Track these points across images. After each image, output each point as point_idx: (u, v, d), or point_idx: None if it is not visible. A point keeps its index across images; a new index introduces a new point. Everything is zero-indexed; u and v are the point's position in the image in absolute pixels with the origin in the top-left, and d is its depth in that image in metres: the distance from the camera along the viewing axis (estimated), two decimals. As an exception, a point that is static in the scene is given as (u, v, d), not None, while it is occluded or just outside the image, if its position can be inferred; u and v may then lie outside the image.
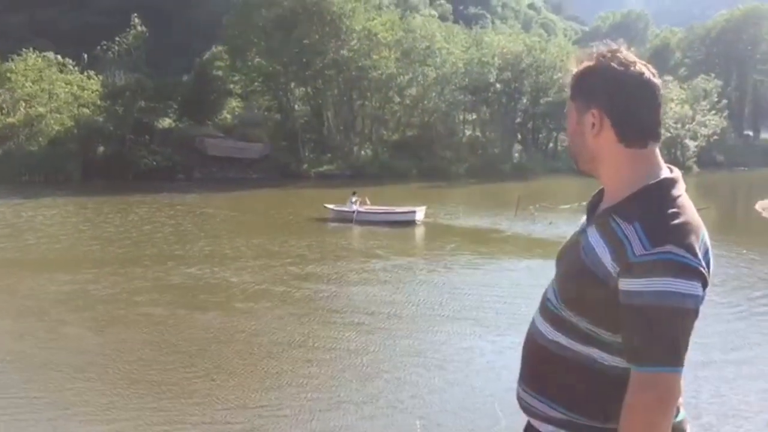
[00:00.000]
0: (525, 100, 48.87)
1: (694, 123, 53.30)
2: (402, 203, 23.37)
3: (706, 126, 53.65)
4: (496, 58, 47.68)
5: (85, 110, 38.69)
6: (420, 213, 21.97)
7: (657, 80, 1.71)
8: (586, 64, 1.74)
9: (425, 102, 46.73)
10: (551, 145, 51.38)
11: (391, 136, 46.72)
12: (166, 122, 41.29)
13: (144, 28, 42.84)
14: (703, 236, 1.62)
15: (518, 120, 49.46)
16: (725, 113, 56.35)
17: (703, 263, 1.58)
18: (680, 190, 1.68)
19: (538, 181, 40.29)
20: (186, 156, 38.23)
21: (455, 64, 46.64)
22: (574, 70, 1.77)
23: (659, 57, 78.36)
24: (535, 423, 1.80)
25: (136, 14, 42.61)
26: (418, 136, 45.57)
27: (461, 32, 54.52)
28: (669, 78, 60.27)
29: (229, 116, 44.22)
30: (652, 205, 1.62)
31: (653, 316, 1.54)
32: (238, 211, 26.06)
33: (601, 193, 1.82)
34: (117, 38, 42.63)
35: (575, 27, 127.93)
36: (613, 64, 1.69)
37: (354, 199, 22.31)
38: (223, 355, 9.16)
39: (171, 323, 10.67)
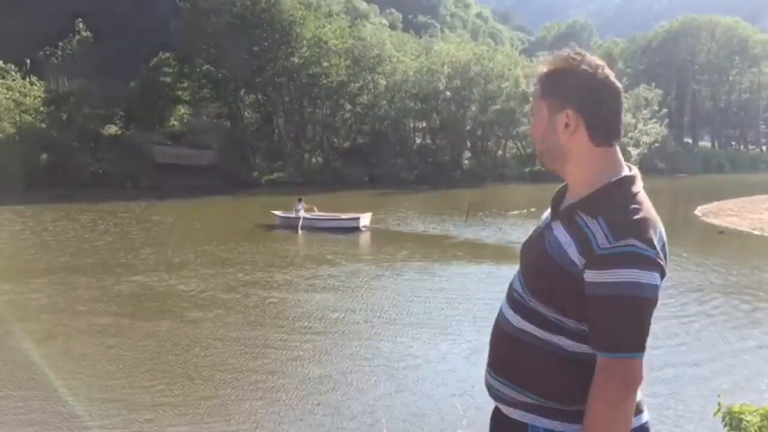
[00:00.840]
0: (474, 108, 49.46)
1: (636, 131, 54.87)
2: (353, 210, 23.47)
3: (647, 134, 55.26)
4: (445, 67, 48.21)
5: (28, 117, 37.61)
6: (365, 219, 22.22)
7: (619, 83, 1.80)
8: (558, 64, 1.81)
9: (376, 109, 46.95)
10: (500, 152, 52.14)
11: (342, 143, 46.78)
12: (112, 129, 40.47)
13: (89, 33, 41.96)
14: (660, 231, 1.72)
15: (468, 128, 50.01)
16: (666, 121, 58.18)
17: (661, 255, 1.68)
18: (639, 187, 1.77)
19: (487, 188, 40.86)
20: (133, 164, 37.47)
21: (405, 72, 47.01)
22: (544, 69, 1.83)
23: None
24: (503, 408, 1.88)
25: (80, 19, 41.71)
26: (369, 144, 45.74)
27: (411, 40, 55.00)
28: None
29: (177, 123, 43.60)
30: (614, 202, 1.71)
31: (617, 305, 1.62)
32: (186, 218, 25.77)
33: (564, 188, 1.90)
34: (61, 43, 41.64)
35: (522, 37, 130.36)
36: (584, 66, 1.76)
37: (300, 206, 22.46)
38: (170, 365, 9.07)
39: (115, 332, 10.53)
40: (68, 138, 36.53)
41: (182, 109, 44.70)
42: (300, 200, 22.82)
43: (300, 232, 21.42)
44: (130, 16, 42.20)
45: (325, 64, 42.98)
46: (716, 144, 76.36)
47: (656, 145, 55.04)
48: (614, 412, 1.65)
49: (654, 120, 56.29)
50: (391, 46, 47.82)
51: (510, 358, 1.85)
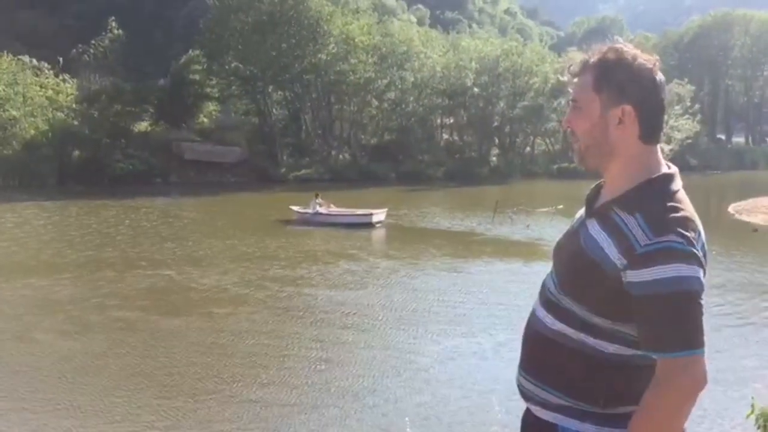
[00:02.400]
0: (502, 104, 49.11)
1: (668, 127, 53.97)
2: (375, 207, 23.48)
3: (679, 130, 54.36)
4: (473, 63, 47.95)
5: (60, 114, 38.23)
6: (378, 215, 22.27)
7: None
8: (610, 56, 1.75)
9: (403, 106, 46.83)
10: (528, 148, 51.73)
11: (369, 140, 46.76)
12: (142, 126, 40.93)
13: (120, 32, 42.50)
14: (699, 231, 1.67)
15: (495, 124, 49.68)
16: (698, 117, 57.19)
17: (701, 253, 1.64)
18: (678, 185, 1.74)
19: (515, 185, 40.58)
20: (163, 160, 37.93)
21: (433, 68, 46.82)
22: (596, 60, 1.77)
23: (633, 62, 79.11)
24: (535, 409, 1.83)
25: (113, 17, 42.26)
26: (396, 140, 45.66)
27: (439, 37, 54.77)
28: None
29: (206, 120, 43.94)
30: (652, 199, 1.67)
31: (669, 302, 1.57)
32: (211, 214, 26.09)
33: (598, 186, 1.86)
34: (93, 42, 42.23)
35: (551, 32, 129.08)
36: (641, 61, 1.72)
37: (318, 201, 22.61)
38: (200, 362, 9.12)
39: (138, 328, 10.64)
40: (99, 135, 37.07)
41: (211, 106, 45.04)
42: (317, 195, 22.97)
43: (313, 227, 21.62)
44: (161, 14, 42.67)
45: (352, 60, 42.99)
46: (750, 140, 74.94)
47: (688, 141, 54.13)
48: (675, 414, 1.60)
49: (686, 116, 55.37)
50: (419, 42, 47.65)
51: (542, 359, 1.82)
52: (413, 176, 40.43)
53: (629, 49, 1.74)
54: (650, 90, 1.72)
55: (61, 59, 41.54)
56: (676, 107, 56.45)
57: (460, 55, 49.00)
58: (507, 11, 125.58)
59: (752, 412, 3.74)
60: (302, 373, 8.70)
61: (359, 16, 47.65)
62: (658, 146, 1.77)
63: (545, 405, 1.80)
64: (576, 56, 1.83)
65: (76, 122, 37.97)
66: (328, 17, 42.65)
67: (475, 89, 47.79)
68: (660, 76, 1.73)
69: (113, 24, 42.27)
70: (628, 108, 1.71)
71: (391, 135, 47.00)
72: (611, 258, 1.64)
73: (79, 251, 17.31)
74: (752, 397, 3.83)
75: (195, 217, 25.22)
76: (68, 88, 39.95)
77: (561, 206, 27.12)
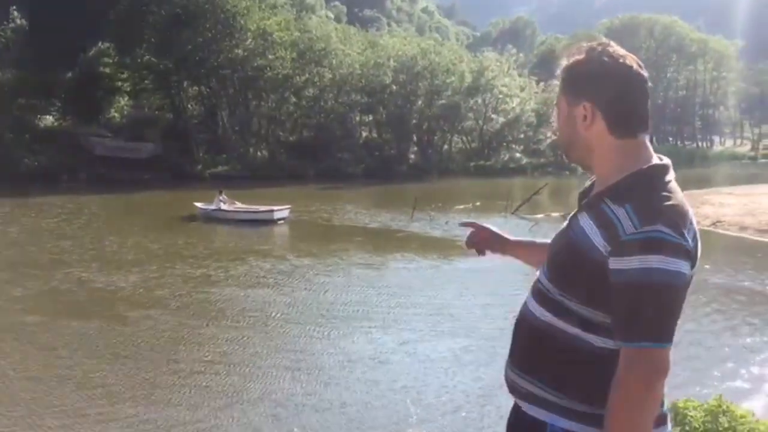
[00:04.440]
0: (420, 103, 49.68)
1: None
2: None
3: (589, 129, 56.34)
4: (391, 61, 48.27)
5: (-42, 107, 36.19)
6: (281, 212, 22.35)
7: (645, 72, 1.75)
8: (576, 57, 1.76)
9: (322, 103, 46.67)
10: (446, 146, 52.54)
11: (287, 137, 46.37)
12: (48, 121, 39.18)
13: (24, 22, 40.51)
14: (691, 222, 1.65)
15: (414, 122, 50.21)
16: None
17: (691, 244, 1.61)
18: (670, 176, 1.71)
19: (433, 182, 41.11)
20: (71, 156, 36.35)
21: (351, 66, 46.83)
22: (565, 62, 1.79)
23: (545, 63, 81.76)
24: (523, 405, 1.81)
25: (14, 7, 40.24)
26: (315, 137, 45.46)
27: (357, 34, 54.85)
28: (555, 83, 62.91)
29: (117, 115, 42.49)
30: (642, 188, 1.65)
31: (640, 292, 1.55)
32: (120, 212, 25.56)
33: (591, 184, 1.85)
34: (-6, 32, 40.16)
35: (467, 32, 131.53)
36: (604, 57, 1.71)
37: (221, 198, 22.79)
38: (106, 366, 8.80)
39: (43, 331, 10.18)
40: (1, 129, 35.21)
41: (122, 101, 43.57)
42: (221, 192, 23.15)
43: (220, 224, 21.65)
44: (67, 3, 40.84)
45: (270, 56, 42.48)
46: (654, 140, 78.36)
47: (597, 140, 56.19)
48: (635, 406, 1.56)
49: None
50: (337, 40, 47.56)
51: (533, 352, 1.79)
52: (332, 173, 40.33)
53: (600, 47, 1.74)
54: (612, 85, 1.70)
55: (-42, 49, 39.34)
56: (586, 107, 58.50)
57: (379, 53, 49.24)
58: (424, 10, 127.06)
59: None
60: (216, 378, 8.51)
61: (276, 12, 47.14)
62: (645, 139, 1.74)
63: (535, 400, 1.77)
64: (566, 54, 1.82)
65: (-25, 116, 36.00)
66: (245, 12, 42.01)
67: (394, 87, 48.16)
68: (630, 70, 1.71)
69: (15, 14, 40.24)
70: (587, 104, 1.72)
71: (309, 132, 46.79)
72: (597, 246, 1.63)
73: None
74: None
75: (102, 215, 24.52)
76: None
77: (478, 203, 27.71)
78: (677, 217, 1.61)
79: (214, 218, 22.13)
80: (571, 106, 1.76)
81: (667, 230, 1.57)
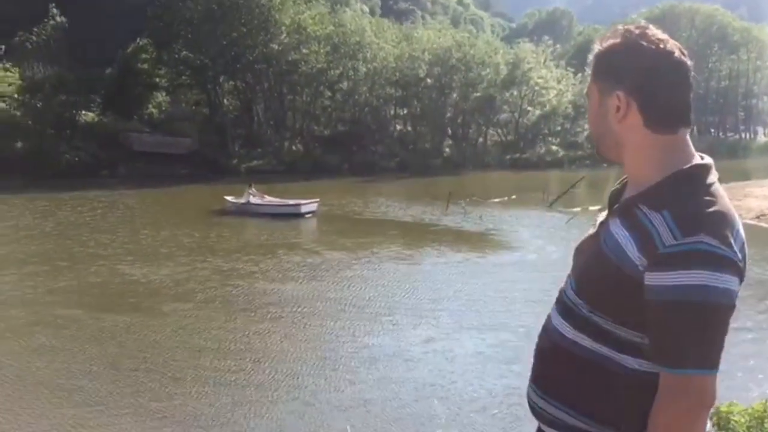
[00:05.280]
0: (455, 96, 49.36)
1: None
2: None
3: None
4: (426, 53, 48.03)
5: (2, 104, 36.95)
6: (308, 206, 22.43)
7: (688, 61, 1.56)
8: (611, 41, 1.58)
9: (356, 97, 46.68)
10: (481, 139, 52.14)
11: (322, 131, 46.47)
12: (88, 116, 39.84)
13: (63, 19, 41.22)
14: (738, 228, 1.48)
15: (448, 115, 49.93)
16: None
17: (739, 255, 1.44)
18: (713, 178, 1.53)
19: (468, 176, 40.84)
20: (110, 151, 36.95)
21: (386, 59, 46.72)
22: (597, 48, 1.62)
23: (584, 54, 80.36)
24: (546, 429, 1.65)
25: (53, 4, 40.97)
26: (349, 131, 45.48)
27: (391, 27, 54.70)
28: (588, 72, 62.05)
29: (155, 110, 43.03)
30: (682, 193, 1.48)
31: (685, 312, 1.40)
32: (157, 206, 25.90)
33: (623, 183, 1.69)
34: (35, 29, 40.87)
35: (503, 23, 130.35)
36: (642, 42, 1.53)
37: (251, 191, 22.99)
38: (139, 360, 8.87)
39: (81, 325, 10.34)
40: (43, 125, 35.95)
41: (160, 97, 44.11)
42: (251, 186, 23.33)
43: (247, 217, 21.87)
44: (106, 0, 41.47)
45: (304, 50, 42.59)
46: (695, 131, 76.93)
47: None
48: None
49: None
50: (372, 33, 47.49)
51: (559, 373, 1.63)
52: (366, 167, 40.33)
53: (638, 31, 1.56)
54: (650, 72, 1.52)
55: (3, 47, 40.12)
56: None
57: (413, 45, 49.02)
58: (459, 2, 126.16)
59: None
60: (254, 370, 8.54)
61: (311, 6, 47.24)
62: (686, 135, 1.57)
63: (559, 425, 1.62)
64: (601, 39, 1.64)
65: (18, 113, 36.72)
66: (280, 6, 42.19)
67: (428, 80, 47.91)
68: (671, 57, 1.53)
69: (54, 11, 40.94)
70: (621, 94, 1.54)
71: (344, 126, 46.81)
72: (632, 258, 1.47)
73: (22, 246, 16.78)
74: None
75: (138, 209, 24.94)
76: (11, 77, 38.61)
77: (514, 197, 27.41)
78: (723, 226, 1.44)
79: (244, 212, 22.33)
80: (604, 96, 1.58)
81: (712, 241, 1.40)
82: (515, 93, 51.76)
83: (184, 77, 43.58)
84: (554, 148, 52.21)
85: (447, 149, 49.27)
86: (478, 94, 49.12)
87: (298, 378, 8.26)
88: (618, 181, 1.71)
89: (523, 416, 6.81)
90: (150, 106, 42.96)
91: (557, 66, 58.36)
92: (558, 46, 73.86)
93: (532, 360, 1.72)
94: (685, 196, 1.47)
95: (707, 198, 1.47)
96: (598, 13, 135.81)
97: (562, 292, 1.68)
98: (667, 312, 1.41)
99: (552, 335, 1.65)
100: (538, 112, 52.42)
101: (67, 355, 9.00)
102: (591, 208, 24.21)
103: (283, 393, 7.81)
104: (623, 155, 1.60)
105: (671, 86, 1.54)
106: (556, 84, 53.88)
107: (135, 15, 40.41)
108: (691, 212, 1.44)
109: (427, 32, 54.58)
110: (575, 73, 54.17)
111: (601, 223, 1.62)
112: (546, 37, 70.16)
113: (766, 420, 3.81)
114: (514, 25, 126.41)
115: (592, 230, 1.67)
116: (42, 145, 35.10)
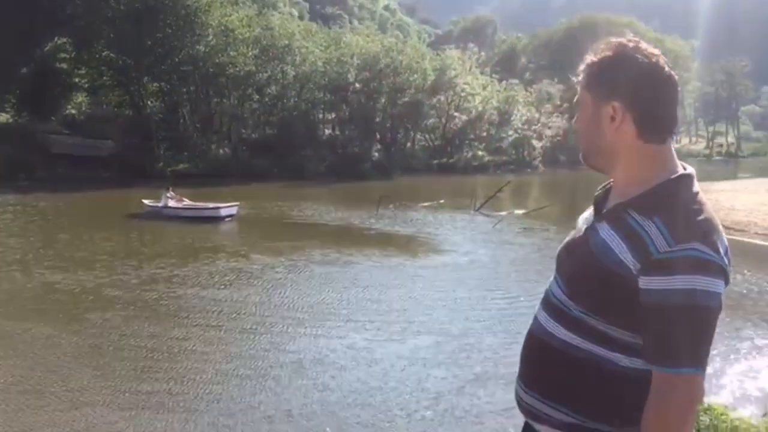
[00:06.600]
0: (383, 100, 49.72)
1: (539, 125, 56.74)
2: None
3: (549, 127, 57.25)
4: (355, 58, 48.22)
5: None
6: (229, 209, 22.32)
7: (675, 75, 1.64)
8: (606, 53, 1.65)
9: (285, 100, 46.40)
10: (409, 144, 52.71)
11: (250, 134, 45.96)
12: (2, 117, 38.19)
13: (-24, 15, 39.39)
14: (722, 235, 1.57)
15: (377, 120, 50.24)
16: (567, 115, 60.43)
17: (725, 260, 1.53)
18: (697, 187, 1.62)
19: (397, 180, 41.19)
20: (27, 154, 35.47)
21: (315, 63, 46.65)
22: (591, 58, 1.68)
23: (506, 61, 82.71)
24: (536, 425, 1.72)
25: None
26: (278, 135, 45.12)
27: (320, 31, 54.64)
28: (515, 81, 63.78)
29: (75, 111, 41.60)
30: (672, 201, 1.56)
31: (677, 314, 1.48)
32: (75, 211, 24.84)
33: (606, 188, 1.76)
34: (-56, 25, 38.90)
35: (428, 30, 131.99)
36: (636, 55, 1.60)
37: (169, 195, 22.68)
38: (35, 372, 8.52)
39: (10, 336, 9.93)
40: (-47, 126, 34.26)
41: (80, 97, 42.68)
42: (168, 189, 22.97)
43: (167, 221, 21.50)
44: (22, -2, 39.84)
45: (231, 53, 42.05)
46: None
47: (558, 138, 56.98)
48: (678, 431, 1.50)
49: (556, 114, 58.28)
50: (300, 36, 47.33)
51: (551, 372, 1.69)
52: (295, 171, 40.09)
53: (632, 44, 1.63)
54: (645, 85, 1.60)
55: None
56: (547, 105, 59.43)
57: (342, 50, 49.12)
58: (386, 8, 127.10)
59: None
60: (172, 378, 8.39)
61: (238, 8, 46.69)
62: (671, 146, 1.65)
63: (549, 422, 1.68)
64: (592, 50, 1.71)
65: (-75, 112, 34.92)
66: (206, 8, 41.52)
67: (357, 85, 48.10)
68: (663, 72, 1.61)
69: (-32, 7, 39.17)
70: (617, 104, 1.61)
71: (272, 130, 46.41)
72: (626, 263, 1.54)
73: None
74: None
75: (54, 213, 23.97)
76: None
77: (442, 201, 27.86)
78: (711, 233, 1.53)
79: (162, 215, 21.98)
80: (598, 106, 1.65)
81: (703, 248, 1.49)
82: (442, 99, 52.56)
83: (105, 78, 42.31)
84: (480, 153, 53.29)
85: (376, 153, 49.55)
86: (406, 99, 49.64)
87: (218, 385, 7.99)
88: (601, 186, 1.80)
89: (447, 419, 7.01)
90: (69, 106, 41.50)
91: (482, 73, 59.63)
92: (483, 53, 75.41)
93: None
94: (674, 205, 1.55)
95: (695, 207, 1.57)
96: (520, 22, 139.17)
97: (549, 293, 1.75)
98: (662, 314, 1.50)
99: (541, 335, 1.72)
100: (464, 117, 53.37)
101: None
102: (516, 212, 24.96)
103: (203, 403, 7.51)
104: (614, 163, 1.68)
105: (664, 99, 1.63)
106: (481, 90, 55.04)
107: (53, 12, 38.96)
108: (682, 220, 1.53)
109: (356, 37, 54.78)
110: (500, 80, 55.44)
111: (590, 227, 1.69)
112: (471, 44, 71.51)
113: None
114: (439, 32, 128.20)
115: (576, 233, 1.75)
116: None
